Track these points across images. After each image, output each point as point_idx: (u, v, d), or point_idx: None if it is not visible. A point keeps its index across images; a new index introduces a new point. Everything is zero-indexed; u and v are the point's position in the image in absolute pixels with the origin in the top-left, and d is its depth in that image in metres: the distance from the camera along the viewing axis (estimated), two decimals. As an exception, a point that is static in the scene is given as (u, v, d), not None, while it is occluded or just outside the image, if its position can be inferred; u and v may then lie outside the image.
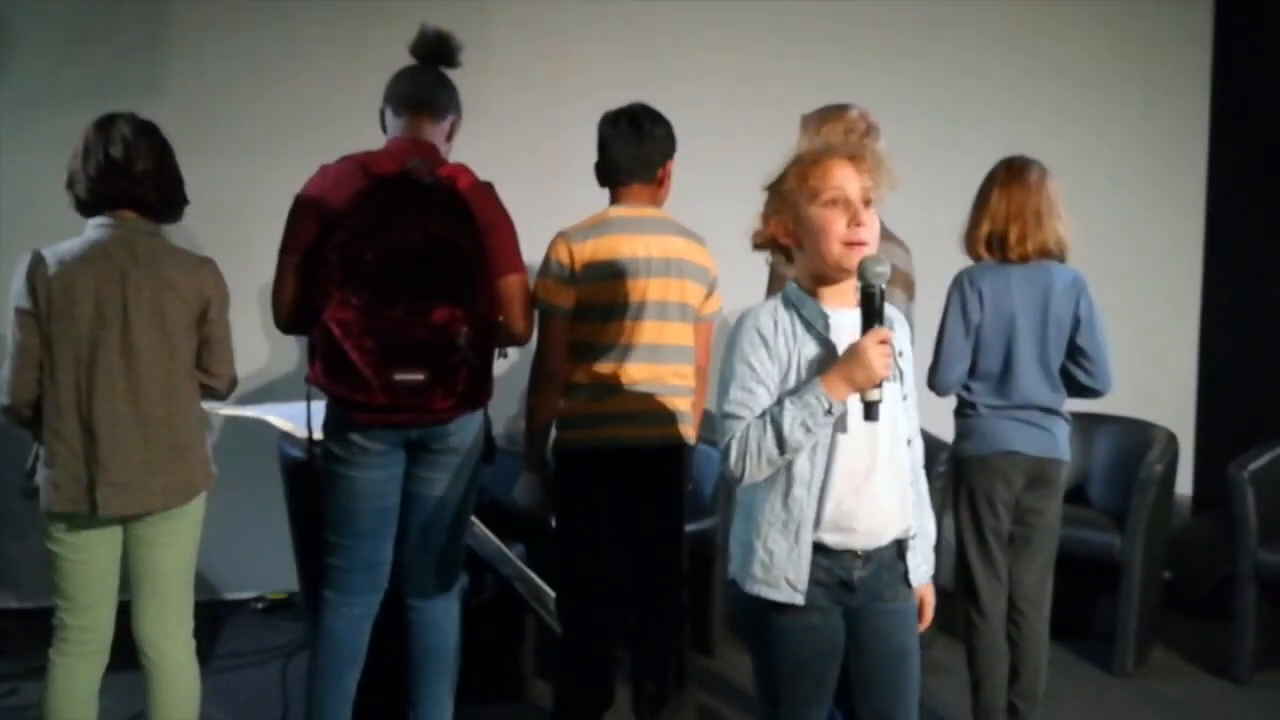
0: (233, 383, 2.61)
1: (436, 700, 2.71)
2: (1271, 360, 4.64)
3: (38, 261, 2.37)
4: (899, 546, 1.99)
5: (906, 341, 2.04)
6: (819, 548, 1.92)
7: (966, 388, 2.95)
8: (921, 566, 2.04)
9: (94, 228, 2.40)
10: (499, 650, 3.36)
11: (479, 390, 2.52)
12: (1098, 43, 4.78)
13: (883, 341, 1.82)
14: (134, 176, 2.38)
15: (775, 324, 1.92)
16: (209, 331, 2.50)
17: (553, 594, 3.04)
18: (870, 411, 1.85)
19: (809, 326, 1.92)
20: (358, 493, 2.58)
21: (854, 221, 1.87)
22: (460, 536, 2.73)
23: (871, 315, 1.84)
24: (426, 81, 2.66)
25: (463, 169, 2.63)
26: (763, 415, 1.87)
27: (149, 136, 2.43)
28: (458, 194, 2.52)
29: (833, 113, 2.83)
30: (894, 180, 1.92)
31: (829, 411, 1.83)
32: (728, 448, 1.88)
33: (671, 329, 2.76)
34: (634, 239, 2.71)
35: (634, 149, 2.75)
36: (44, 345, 2.37)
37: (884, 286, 1.84)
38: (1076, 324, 2.91)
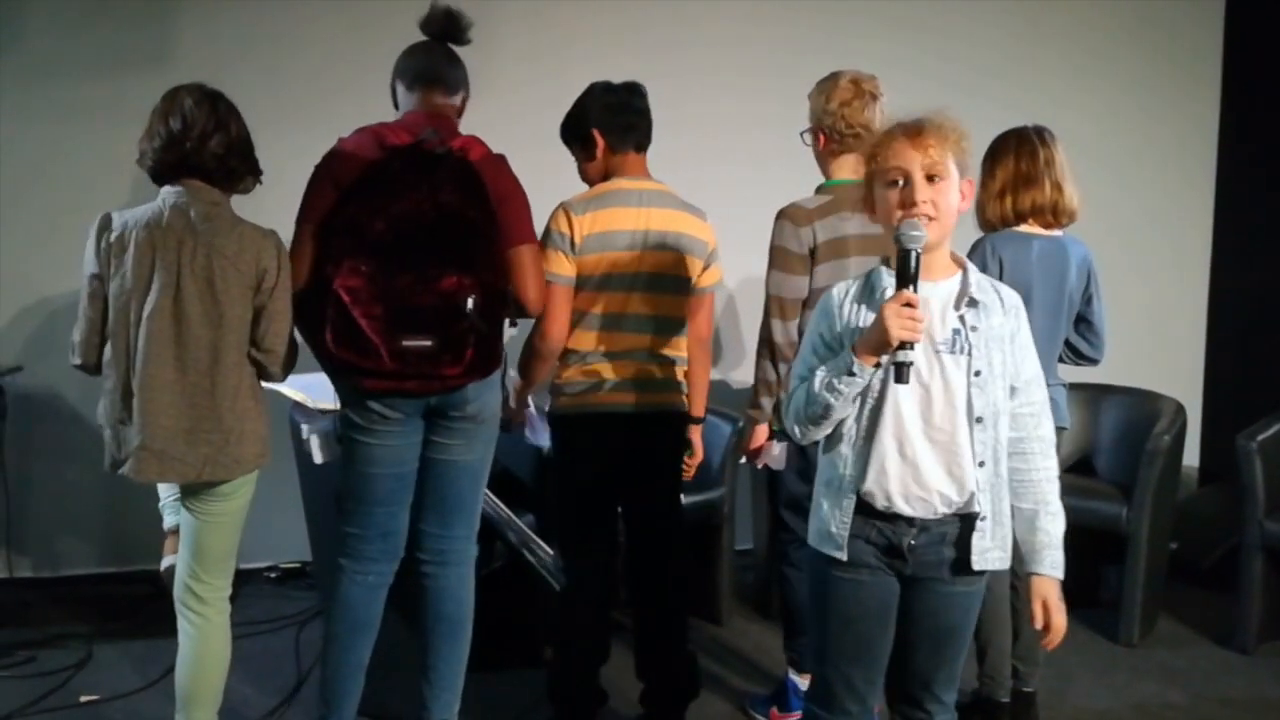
0: (289, 361, 2.55)
1: (450, 667, 2.73)
2: (1280, 332, 4.64)
3: (104, 225, 2.41)
4: (966, 526, 1.97)
5: (990, 319, 1.96)
6: (869, 509, 1.95)
7: None
8: (991, 552, 1.96)
9: (162, 195, 2.43)
10: (512, 619, 3.38)
11: (488, 358, 2.52)
12: (1109, 11, 4.75)
13: (907, 304, 1.83)
14: (192, 148, 2.40)
15: (848, 293, 2.01)
16: (262, 304, 2.47)
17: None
18: (900, 374, 1.86)
19: (870, 294, 1.97)
20: (375, 459, 2.61)
21: (906, 202, 1.90)
22: (475, 505, 2.75)
23: (900, 278, 1.87)
24: (438, 57, 2.69)
25: (475, 140, 2.63)
26: (807, 378, 1.96)
27: (211, 105, 2.43)
28: (469, 165, 2.53)
29: (826, 82, 2.83)
30: (963, 149, 1.92)
31: (851, 372, 1.88)
32: (787, 409, 2.01)
33: (666, 301, 2.79)
34: (634, 211, 2.74)
35: (645, 120, 2.80)
36: (105, 308, 2.42)
37: (919, 250, 1.85)
38: (1086, 298, 2.92)
